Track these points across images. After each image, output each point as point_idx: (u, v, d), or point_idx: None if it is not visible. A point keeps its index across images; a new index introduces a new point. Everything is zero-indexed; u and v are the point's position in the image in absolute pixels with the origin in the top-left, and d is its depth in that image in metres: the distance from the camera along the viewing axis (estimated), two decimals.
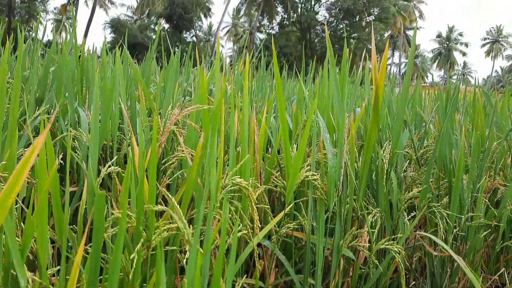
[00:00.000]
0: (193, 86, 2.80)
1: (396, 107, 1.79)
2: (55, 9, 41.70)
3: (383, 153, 1.26)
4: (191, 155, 1.13)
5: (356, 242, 1.15)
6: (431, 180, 1.50)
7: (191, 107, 1.04)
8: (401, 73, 56.17)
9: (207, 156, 0.91)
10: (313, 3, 42.09)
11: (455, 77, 73.42)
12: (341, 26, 41.44)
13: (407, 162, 1.67)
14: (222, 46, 58.58)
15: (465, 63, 71.60)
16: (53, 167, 0.73)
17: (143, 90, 1.57)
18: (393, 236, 1.21)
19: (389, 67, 62.18)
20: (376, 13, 40.73)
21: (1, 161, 1.00)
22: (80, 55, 1.71)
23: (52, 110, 1.56)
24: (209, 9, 42.82)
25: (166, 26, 41.13)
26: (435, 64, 56.08)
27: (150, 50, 2.10)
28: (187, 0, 38.64)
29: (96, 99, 0.94)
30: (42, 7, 34.37)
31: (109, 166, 1.02)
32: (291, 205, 1.13)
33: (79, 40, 1.75)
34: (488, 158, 1.68)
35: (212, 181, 0.86)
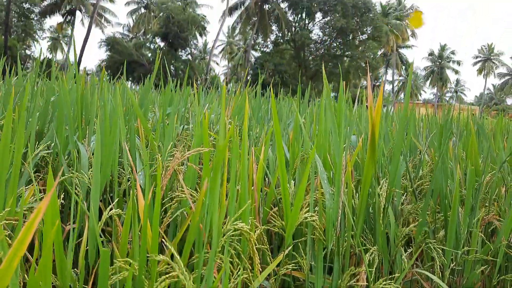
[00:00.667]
0: (190, 111, 2.83)
1: (392, 143, 1.81)
2: (51, 27, 41.97)
3: (380, 190, 1.28)
4: (191, 195, 1.14)
5: (354, 282, 1.16)
6: (427, 213, 1.52)
7: (192, 150, 1.06)
8: (395, 91, 56.78)
9: (208, 200, 0.92)
10: (307, 22, 42.70)
11: (449, 94, 73.87)
12: (335, 44, 42.03)
13: (404, 195, 1.69)
14: (217, 63, 59.04)
15: (458, 81, 72.50)
16: (56, 222, 0.74)
17: (143, 125, 1.59)
18: (390, 276, 1.22)
19: (383, 83, 62.66)
20: (369, 32, 41.38)
21: (5, 203, 1.01)
22: (76, 77, 1.73)
23: (53, 145, 1.58)
24: (205, 28, 43.28)
25: (162, 44, 41.49)
26: (428, 81, 56.78)
27: (149, 81, 2.12)
28: (182, 19, 39.07)
29: (97, 149, 0.96)
30: (39, 25, 34.65)
31: (110, 209, 1.03)
32: (290, 247, 1.15)
33: (72, 59, 1.78)
34: (483, 189, 1.71)
35: (214, 228, 0.87)
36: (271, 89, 1.22)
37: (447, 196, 1.50)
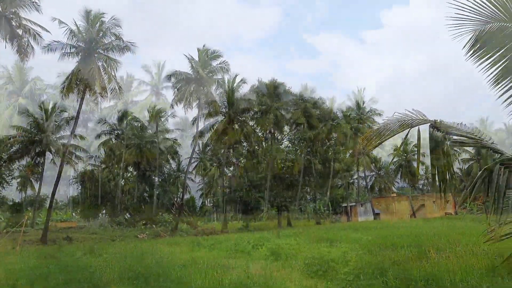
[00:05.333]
0: None
1: None
2: (20, 165, 41.01)
3: None
4: None
5: None
6: None
7: None
8: (369, 186, 57.58)
9: None
10: (276, 135, 44.27)
11: (422, 181, 75.22)
12: (305, 152, 43.29)
13: None
14: (192, 180, 58.94)
15: (427, 168, 74.18)
16: None
17: None
18: None
19: (356, 180, 63.60)
20: (335, 138, 43.18)
21: None
22: None
23: None
24: (176, 152, 43.91)
25: (135, 173, 41.38)
26: (399, 174, 57.87)
27: None
28: (154, 147, 39.65)
29: None
30: (7, 171, 34.08)
31: None
32: None
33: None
34: None
35: None
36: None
37: None
